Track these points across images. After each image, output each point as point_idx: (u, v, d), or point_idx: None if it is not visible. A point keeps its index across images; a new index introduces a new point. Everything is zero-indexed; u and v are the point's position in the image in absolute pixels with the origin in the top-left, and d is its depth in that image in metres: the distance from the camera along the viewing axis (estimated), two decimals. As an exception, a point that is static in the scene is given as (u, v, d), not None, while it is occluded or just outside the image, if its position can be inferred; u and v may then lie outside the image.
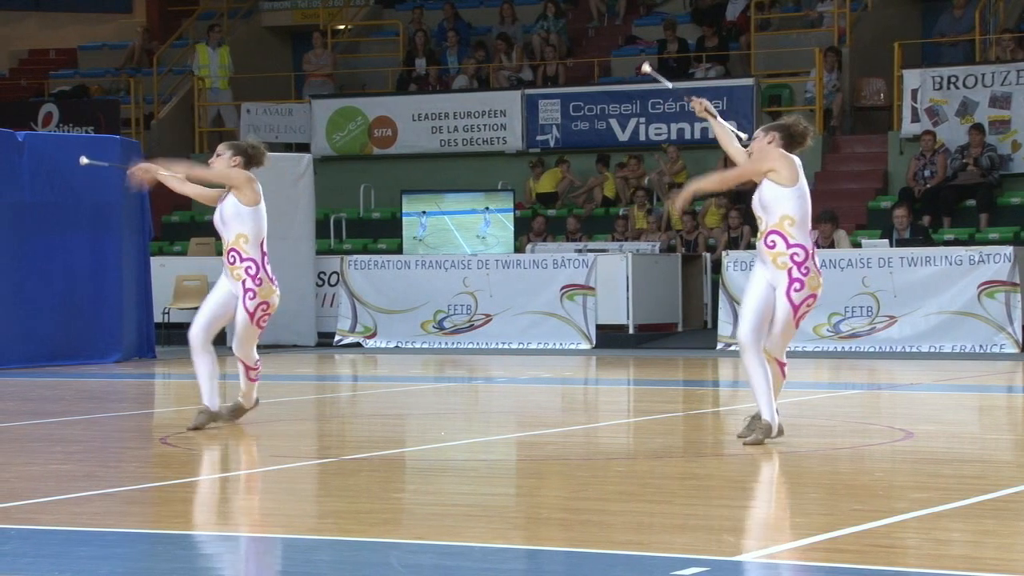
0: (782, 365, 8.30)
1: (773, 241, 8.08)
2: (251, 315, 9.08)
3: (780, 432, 8.25)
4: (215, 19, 24.67)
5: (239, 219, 8.99)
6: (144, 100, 23.90)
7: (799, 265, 8.04)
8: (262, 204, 9.05)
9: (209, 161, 9.25)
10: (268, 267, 9.07)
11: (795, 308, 8.08)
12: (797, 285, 8.06)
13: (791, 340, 8.43)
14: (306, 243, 17.79)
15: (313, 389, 12.67)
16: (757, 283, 8.23)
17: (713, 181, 8.75)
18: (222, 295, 9.20)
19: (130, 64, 25.35)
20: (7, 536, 5.98)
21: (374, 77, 23.69)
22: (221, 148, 9.18)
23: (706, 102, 8.54)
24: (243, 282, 9.04)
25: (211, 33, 23.41)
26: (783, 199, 8.05)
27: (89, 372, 14.60)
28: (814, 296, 8.12)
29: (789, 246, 8.05)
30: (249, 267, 9.00)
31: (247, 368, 9.32)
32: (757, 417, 8.24)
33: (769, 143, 8.20)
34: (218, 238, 18.66)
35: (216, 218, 9.16)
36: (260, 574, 5.53)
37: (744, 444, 8.19)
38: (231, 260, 9.04)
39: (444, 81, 22.88)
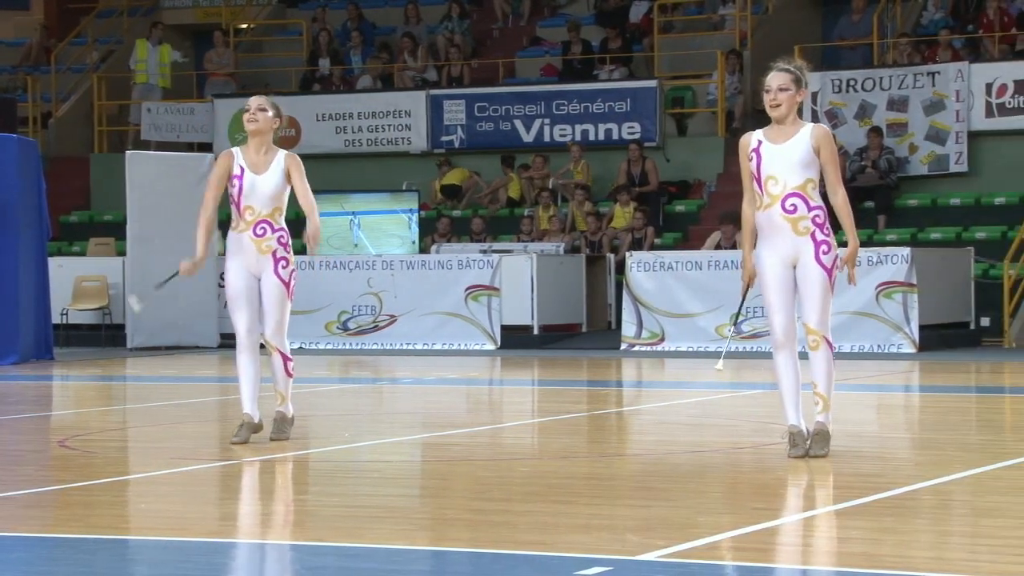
0: (832, 349, 7.62)
1: (793, 205, 7.52)
2: (287, 284, 8.48)
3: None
4: (156, 15, 24.40)
5: (279, 196, 8.46)
6: (42, 98, 23.56)
7: (821, 227, 7.52)
8: None
9: (245, 117, 8.45)
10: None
11: (829, 272, 7.57)
12: (825, 247, 7.51)
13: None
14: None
15: (216, 390, 12.56)
16: (774, 269, 7.57)
17: (851, 230, 7.68)
18: (247, 281, 8.52)
19: (27, 62, 24.98)
20: (-99, 542, 5.87)
21: (277, 76, 23.55)
22: (263, 103, 8.50)
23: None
24: (274, 252, 8.46)
25: (153, 30, 23.12)
26: (815, 165, 7.55)
27: (-14, 374, 14.37)
28: (837, 256, 7.58)
29: (811, 208, 7.50)
30: (281, 236, 8.47)
31: (285, 359, 8.62)
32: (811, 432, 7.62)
33: (800, 101, 7.64)
34: (120, 237, 18.17)
35: (245, 189, 8.41)
36: (162, 578, 5.48)
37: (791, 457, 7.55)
38: (259, 232, 8.42)
39: (348, 81, 22.79)
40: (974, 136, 19.09)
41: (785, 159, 7.57)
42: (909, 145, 19.35)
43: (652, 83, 20.63)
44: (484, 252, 17.63)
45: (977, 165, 19.15)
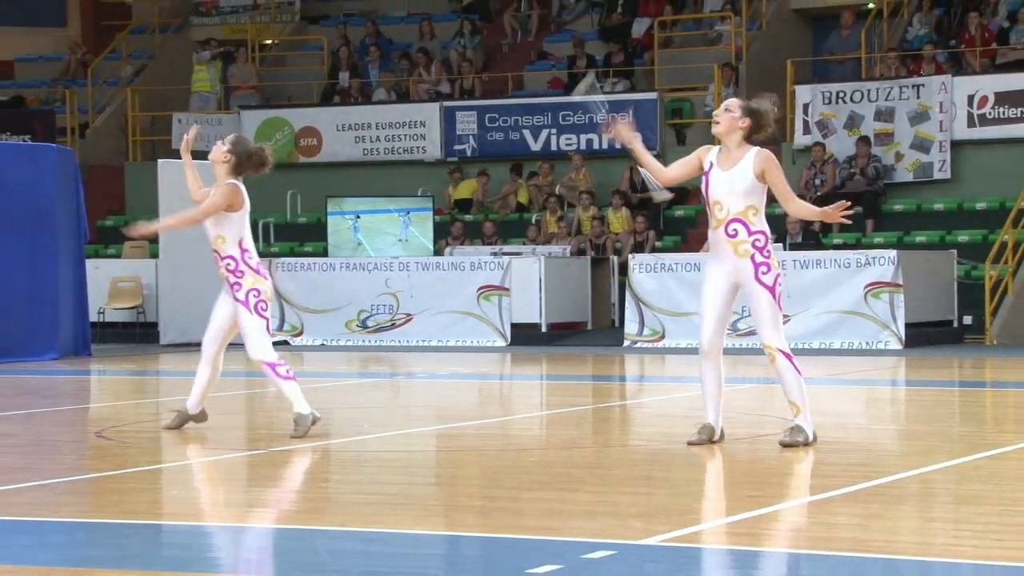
0: (790, 358, 7.64)
1: (735, 230, 7.63)
2: (245, 303, 8.50)
3: (721, 436, 7.90)
4: (186, 32, 24.51)
5: (219, 222, 8.55)
6: (79, 110, 23.60)
7: (761, 250, 7.62)
8: (245, 208, 8.57)
9: (211, 153, 8.68)
10: (250, 260, 8.55)
11: (771, 290, 7.63)
12: (764, 268, 7.63)
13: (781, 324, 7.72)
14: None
15: (243, 385, 12.58)
16: (715, 280, 7.71)
17: (813, 210, 7.90)
18: (224, 305, 8.66)
19: (65, 76, 25.02)
20: (-52, 527, 5.88)
21: (299, 89, 23.57)
22: (228, 140, 8.69)
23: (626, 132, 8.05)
24: (227, 279, 8.58)
25: (206, 47, 23.15)
26: (758, 191, 7.62)
27: (27, 369, 14.39)
28: (779, 275, 7.68)
29: (751, 233, 7.62)
30: (228, 264, 8.54)
31: (273, 367, 8.45)
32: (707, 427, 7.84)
33: (742, 128, 7.66)
34: (152, 240, 18.13)
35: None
36: (191, 560, 5.48)
37: (689, 443, 7.76)
38: (215, 260, 8.63)
39: (366, 93, 22.82)
40: (957, 145, 19.05)
41: (729, 186, 7.70)
42: (895, 153, 19.32)
43: (653, 95, 20.63)
44: (495, 254, 17.63)
45: (959, 172, 19.11)
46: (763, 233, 7.68)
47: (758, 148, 7.78)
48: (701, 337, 7.79)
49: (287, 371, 8.52)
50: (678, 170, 7.99)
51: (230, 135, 8.86)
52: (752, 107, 7.75)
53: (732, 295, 7.76)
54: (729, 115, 7.71)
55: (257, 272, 8.57)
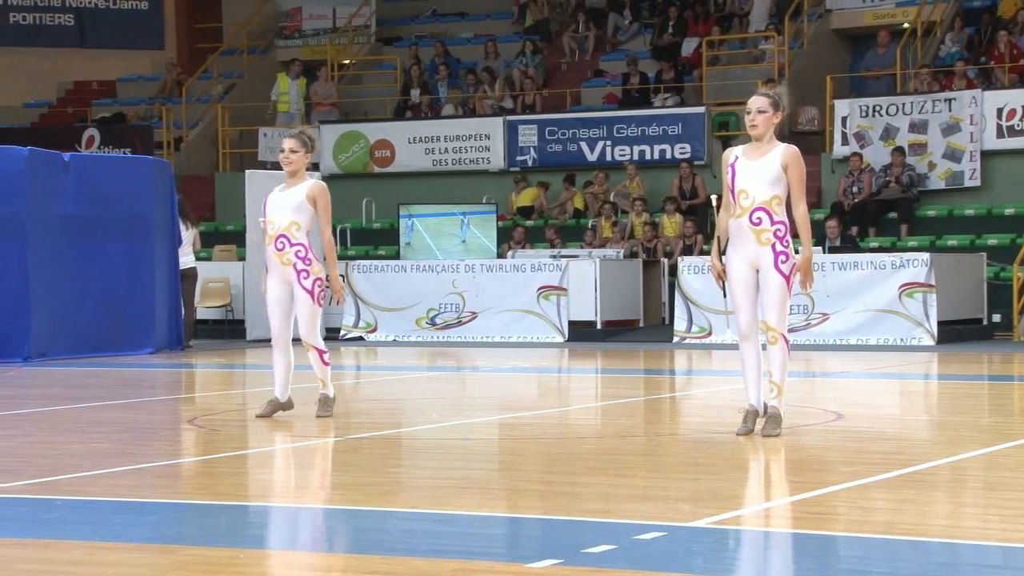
0: (788, 343, 7.57)
1: (759, 218, 7.47)
2: (311, 293, 8.60)
3: (765, 411, 7.70)
4: (271, 53, 24.74)
5: (299, 210, 8.53)
6: (174, 125, 23.84)
7: (781, 239, 7.49)
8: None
9: (280, 157, 8.69)
10: (315, 249, 8.62)
11: (787, 278, 7.52)
12: (783, 257, 7.51)
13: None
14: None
15: (322, 377, 12.61)
16: (739, 270, 7.57)
17: (807, 241, 7.59)
18: (279, 290, 8.69)
19: (162, 94, 25.29)
20: (53, 506, 5.95)
21: (374, 105, 23.67)
22: (294, 144, 8.62)
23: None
24: (294, 265, 8.58)
25: (292, 65, 23.34)
26: (782, 182, 7.47)
27: (126, 362, 14.55)
28: (795, 264, 7.55)
29: (773, 223, 7.48)
30: (299, 251, 8.56)
31: (320, 352, 8.69)
32: (753, 411, 7.67)
33: (775, 122, 7.51)
34: (240, 244, 18.08)
35: (269, 205, 8.63)
36: (275, 538, 5.51)
37: (736, 435, 7.59)
38: (279, 246, 8.57)
39: (435, 109, 22.88)
40: (986, 155, 18.84)
41: (756, 176, 7.51)
42: (928, 163, 19.12)
43: (701, 109, 20.53)
44: (554, 257, 17.62)
45: (989, 180, 18.89)
46: (784, 224, 7.54)
47: (787, 144, 7.65)
48: (739, 321, 7.66)
49: (327, 359, 8.82)
50: (725, 208, 7.67)
51: (289, 140, 8.74)
52: (775, 99, 7.59)
53: (756, 278, 7.60)
54: (764, 116, 7.54)
55: (320, 261, 8.73)
